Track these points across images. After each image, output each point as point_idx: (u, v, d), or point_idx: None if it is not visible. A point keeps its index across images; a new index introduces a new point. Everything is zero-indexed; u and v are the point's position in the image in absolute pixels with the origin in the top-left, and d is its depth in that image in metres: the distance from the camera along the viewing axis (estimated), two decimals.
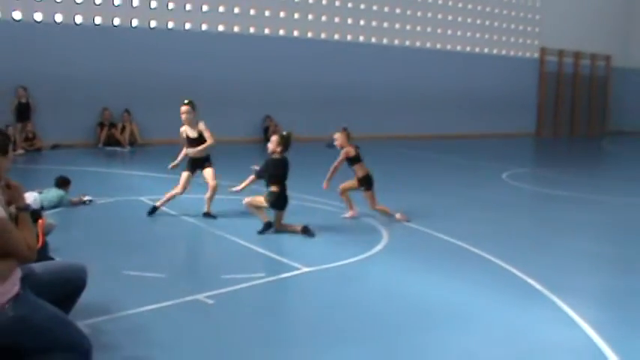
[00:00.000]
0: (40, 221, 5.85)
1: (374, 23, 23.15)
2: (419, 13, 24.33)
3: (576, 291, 6.91)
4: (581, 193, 13.30)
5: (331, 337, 5.50)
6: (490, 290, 6.85)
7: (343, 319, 5.93)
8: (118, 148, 17.77)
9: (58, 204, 10.05)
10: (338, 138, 10.11)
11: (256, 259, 7.71)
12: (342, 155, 10.00)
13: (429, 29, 24.72)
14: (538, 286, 6.87)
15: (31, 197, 9.47)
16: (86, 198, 10.48)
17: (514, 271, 7.55)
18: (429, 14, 24.65)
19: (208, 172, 9.91)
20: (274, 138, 9.02)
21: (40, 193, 9.87)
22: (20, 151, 15.95)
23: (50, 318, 4.04)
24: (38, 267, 4.38)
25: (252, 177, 9.00)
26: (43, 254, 5.39)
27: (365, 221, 9.94)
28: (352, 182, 10.17)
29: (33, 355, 3.99)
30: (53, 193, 10.10)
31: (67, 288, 4.49)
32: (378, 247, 8.42)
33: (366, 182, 10.04)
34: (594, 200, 12.78)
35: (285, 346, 5.33)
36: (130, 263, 7.19)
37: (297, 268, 7.30)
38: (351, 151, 9.93)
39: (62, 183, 10.34)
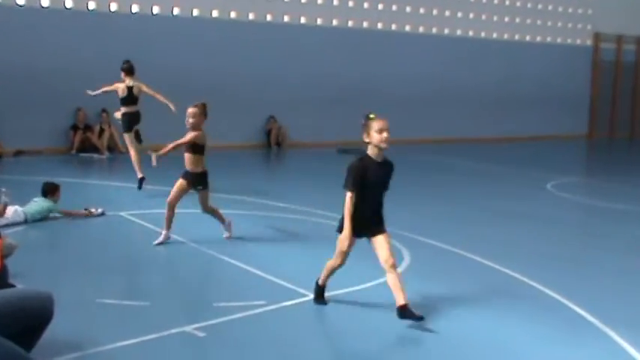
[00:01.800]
0: None
1: (394, 7, 23.19)
2: None
3: (636, 323, 6.90)
4: (633, 205, 13.32)
5: None
6: (532, 322, 6.87)
7: (353, 353, 5.96)
8: (94, 155, 17.86)
9: (45, 215, 10.28)
10: (192, 115, 9.33)
11: (255, 283, 7.74)
12: (187, 138, 9.38)
13: (459, 14, 24.73)
14: (590, 318, 6.89)
15: (10, 211, 9.81)
16: (98, 211, 10.75)
17: (561, 299, 7.57)
18: None
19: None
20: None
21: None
22: None
23: (7, 355, 4.07)
24: None
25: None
26: (1, 280, 5.44)
27: None
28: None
29: None
30: (40, 204, 10.33)
31: (29, 320, 4.53)
32: (399, 270, 8.43)
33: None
34: None
35: None
36: (106, 290, 7.24)
37: (303, 295, 7.34)
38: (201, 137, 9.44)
39: (49, 190, 10.55)
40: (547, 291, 7.85)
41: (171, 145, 9.50)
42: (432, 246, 9.77)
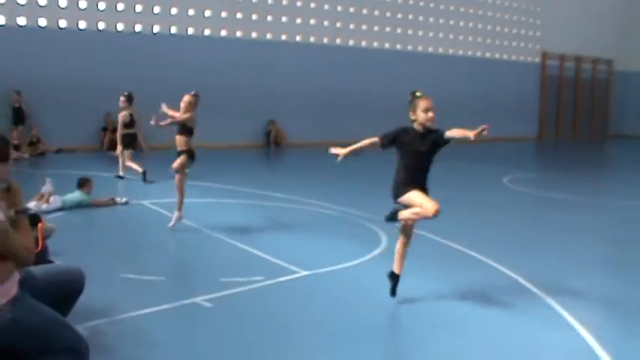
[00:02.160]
0: (39, 225, 5.91)
1: (376, 28, 23.20)
2: (421, 18, 24.37)
3: (573, 294, 6.92)
4: (581, 197, 13.33)
5: (327, 340, 5.55)
6: (486, 293, 6.89)
7: (340, 322, 5.97)
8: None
9: (78, 204, 10.34)
10: (184, 100, 9.28)
11: (255, 262, 7.74)
12: (181, 116, 9.22)
13: (431, 34, 24.76)
14: (534, 289, 6.90)
15: (52, 199, 10.01)
16: (123, 200, 10.83)
17: (510, 274, 7.58)
18: (431, 19, 24.69)
19: None
20: None
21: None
22: (25, 155, 16.05)
23: (47, 320, 4.09)
24: (36, 270, 4.43)
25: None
26: (42, 258, 5.45)
27: (365, 225, 9.98)
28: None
29: (30, 357, 4.04)
30: (75, 195, 10.42)
31: (64, 291, 4.54)
32: (377, 251, 8.46)
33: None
34: (594, 203, 12.81)
35: (282, 349, 5.37)
36: (129, 267, 7.24)
37: (296, 272, 7.35)
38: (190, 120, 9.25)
39: (83, 183, 10.64)
40: (499, 266, 7.88)
41: (170, 112, 9.44)
42: None
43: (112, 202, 10.63)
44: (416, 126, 6.28)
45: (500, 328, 5.91)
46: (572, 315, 6.13)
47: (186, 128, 9.11)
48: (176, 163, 9.11)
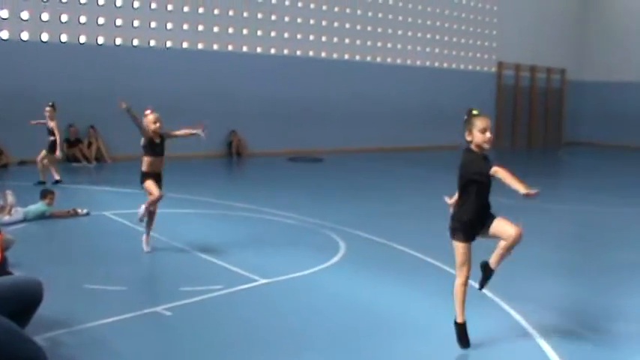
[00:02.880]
0: None
1: (335, 39, 23.33)
2: (379, 29, 24.56)
3: (527, 299, 7.06)
4: (534, 202, 13.52)
5: (287, 346, 5.61)
6: (444, 299, 6.98)
7: (299, 328, 6.05)
8: (84, 164, 17.69)
9: (40, 216, 10.26)
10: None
11: (215, 271, 7.76)
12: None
13: (389, 45, 24.96)
14: (489, 294, 7.02)
15: (18, 212, 10.01)
16: (84, 211, 10.70)
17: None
18: (390, 30, 24.89)
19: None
20: None
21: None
22: None
23: (5, 332, 4.09)
24: None
25: None
26: (1, 269, 5.43)
27: (324, 232, 10.05)
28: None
29: None
30: (36, 206, 10.33)
31: (22, 302, 4.55)
32: (335, 259, 8.54)
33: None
34: (547, 209, 13.02)
35: (241, 355, 5.42)
36: (91, 277, 7.22)
37: (255, 280, 7.40)
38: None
39: (44, 195, 10.56)
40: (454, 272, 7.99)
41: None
42: (364, 238, 9.86)
43: (74, 213, 10.56)
44: (473, 148, 5.48)
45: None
46: (527, 320, 6.26)
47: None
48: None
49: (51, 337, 5.42)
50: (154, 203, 8.45)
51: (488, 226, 5.46)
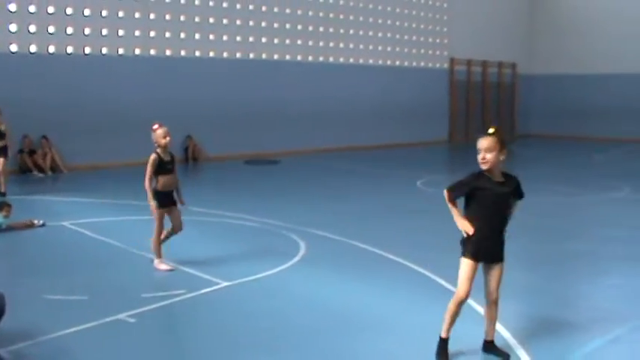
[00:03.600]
0: None
1: (287, 41, 23.42)
2: (331, 29, 24.71)
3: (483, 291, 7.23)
4: None
5: (251, 347, 5.70)
6: (405, 294, 7.18)
7: (262, 329, 6.14)
8: (40, 174, 17.51)
9: None
10: None
11: (177, 276, 7.81)
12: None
13: (342, 45, 25.12)
14: (451, 287, 7.18)
15: None
16: (40, 222, 10.58)
17: (427, 273, 7.89)
18: (341, 30, 25.05)
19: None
20: None
21: None
22: None
23: None
24: None
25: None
26: None
27: (284, 234, 10.14)
28: None
29: None
30: None
31: None
32: (296, 259, 8.66)
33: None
34: None
35: (207, 358, 5.49)
36: (52, 288, 7.23)
37: (217, 283, 7.47)
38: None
39: (1, 208, 10.41)
40: (415, 267, 8.16)
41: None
42: (324, 237, 9.97)
43: (30, 225, 10.49)
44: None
45: (419, 326, 6.15)
46: (480, 304, 6.40)
47: None
48: None
49: (14, 349, 5.44)
50: (158, 236, 8.15)
51: (493, 263, 5.37)
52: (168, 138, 8.19)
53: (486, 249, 5.27)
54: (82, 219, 11.04)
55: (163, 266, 8.04)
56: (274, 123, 22.83)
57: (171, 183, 8.20)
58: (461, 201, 5.36)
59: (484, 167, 5.21)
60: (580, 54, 31.09)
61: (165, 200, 8.14)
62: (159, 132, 8.21)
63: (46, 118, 17.82)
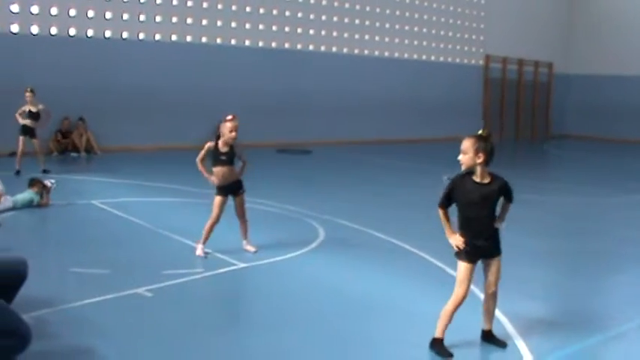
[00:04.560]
0: None
1: (323, 32, 23.60)
2: (367, 22, 24.84)
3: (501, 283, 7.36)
4: (520, 193, 13.78)
5: (259, 324, 5.94)
6: (417, 282, 7.37)
7: (272, 308, 6.37)
8: (74, 154, 17.98)
9: (29, 204, 10.52)
10: None
11: (196, 256, 8.05)
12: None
13: (377, 38, 25.24)
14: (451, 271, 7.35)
15: (7, 200, 10.21)
16: (50, 182, 10.96)
17: (441, 265, 8.02)
18: (377, 23, 25.18)
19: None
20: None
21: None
22: None
23: None
24: None
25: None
26: None
27: (305, 221, 10.35)
28: None
29: None
30: (25, 195, 10.60)
31: (7, 279, 4.85)
32: (313, 245, 8.86)
33: None
34: (527, 199, 13.33)
35: (218, 333, 5.74)
36: (76, 261, 7.53)
37: (234, 264, 7.72)
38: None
39: (33, 184, 10.82)
40: (429, 258, 8.33)
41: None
42: (344, 225, 10.17)
43: (44, 187, 10.82)
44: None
45: (431, 313, 6.25)
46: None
47: None
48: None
49: (37, 315, 5.73)
50: (211, 226, 8.16)
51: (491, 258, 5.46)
52: (234, 133, 8.05)
53: (480, 248, 5.36)
54: (110, 198, 11.38)
55: (198, 251, 8.09)
56: (308, 113, 23.06)
57: (226, 176, 8.10)
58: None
59: (463, 167, 5.35)
60: (618, 54, 30.79)
61: (223, 191, 8.14)
62: (228, 124, 8.07)
63: (81, 101, 18.26)
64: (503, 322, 6.10)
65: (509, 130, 30.38)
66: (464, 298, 5.38)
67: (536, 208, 12.55)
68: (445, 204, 5.38)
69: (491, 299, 5.55)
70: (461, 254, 5.37)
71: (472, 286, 5.55)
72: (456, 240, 5.33)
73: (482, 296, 5.77)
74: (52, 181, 11.06)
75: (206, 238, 8.15)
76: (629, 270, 8.58)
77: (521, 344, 5.65)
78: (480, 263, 5.48)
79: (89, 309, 6.06)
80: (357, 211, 11.43)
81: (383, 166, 18.71)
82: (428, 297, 6.82)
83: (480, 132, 5.37)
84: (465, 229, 5.35)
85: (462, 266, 5.37)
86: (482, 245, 5.35)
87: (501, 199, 5.46)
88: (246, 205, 8.38)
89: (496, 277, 5.47)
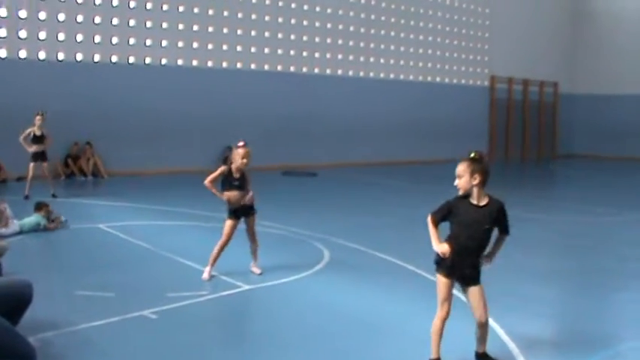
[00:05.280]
0: None
1: (328, 55, 23.80)
2: (372, 45, 25.04)
3: (499, 302, 7.38)
4: (526, 213, 13.87)
5: (264, 345, 5.99)
6: (423, 304, 7.35)
7: (281, 330, 6.41)
8: (82, 178, 18.15)
9: (36, 227, 10.60)
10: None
11: (201, 278, 8.11)
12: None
13: (382, 60, 25.43)
14: (464, 298, 7.38)
15: (14, 225, 10.38)
16: (62, 219, 11.05)
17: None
18: (382, 46, 25.38)
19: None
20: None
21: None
22: None
23: (2, 329, 4.47)
24: None
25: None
26: None
27: (310, 243, 10.41)
28: None
29: None
30: (31, 218, 10.69)
31: (13, 302, 4.93)
32: (319, 267, 8.91)
33: None
34: (531, 218, 13.38)
35: (223, 355, 5.79)
36: (82, 284, 7.60)
37: (239, 286, 7.77)
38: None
39: (39, 207, 10.91)
40: (433, 278, 8.36)
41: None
42: (349, 247, 10.22)
43: (58, 223, 10.93)
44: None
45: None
46: (498, 322, 6.54)
47: None
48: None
49: (42, 337, 5.78)
50: (220, 248, 8.23)
51: (469, 286, 5.44)
52: (245, 160, 8.11)
53: (460, 270, 5.35)
54: (116, 222, 11.48)
55: (205, 274, 8.11)
56: (314, 136, 23.21)
57: (237, 200, 8.16)
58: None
59: (460, 191, 5.33)
60: (622, 73, 30.95)
61: (236, 214, 8.21)
62: (240, 151, 8.13)
63: (89, 126, 18.47)
64: (506, 341, 6.12)
65: (516, 151, 30.45)
66: (447, 315, 5.38)
67: (541, 227, 12.61)
68: (437, 218, 5.35)
69: (482, 328, 5.50)
70: (441, 265, 5.35)
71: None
72: (442, 247, 5.27)
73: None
74: (64, 219, 11.11)
75: (214, 260, 8.20)
76: (631, 287, 8.59)
77: None
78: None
79: (94, 331, 6.12)
80: (362, 232, 11.48)
81: (389, 187, 18.77)
82: (432, 318, 6.83)
83: (472, 155, 5.32)
84: (452, 247, 5.28)
85: (441, 283, 5.37)
86: (463, 271, 5.35)
87: (495, 233, 5.45)
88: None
89: (482, 306, 5.39)
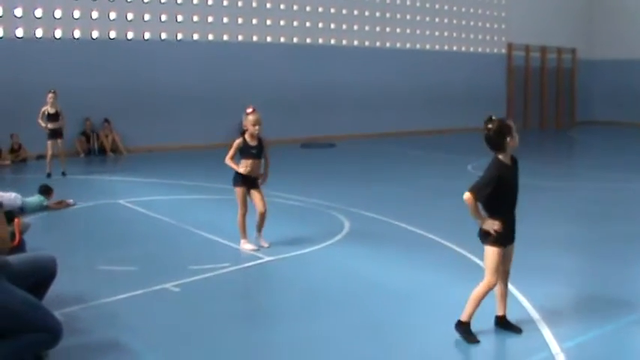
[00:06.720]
0: (15, 220, 6.32)
1: (344, 26, 23.62)
2: (388, 15, 24.81)
3: (519, 269, 7.34)
4: (539, 181, 13.77)
5: (288, 315, 6.02)
6: (442, 271, 7.38)
7: (302, 299, 6.45)
8: (100, 156, 18.23)
9: (38, 209, 10.51)
10: None
11: (222, 250, 8.15)
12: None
13: (398, 30, 25.20)
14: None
15: (12, 195, 10.07)
16: (70, 201, 10.97)
17: (467, 254, 7.99)
18: (398, 15, 25.13)
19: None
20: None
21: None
22: (6, 162, 16.44)
23: (24, 303, 4.52)
24: (12, 259, 4.85)
25: None
26: (20, 251, 5.86)
27: (329, 213, 10.40)
28: None
29: (8, 335, 4.45)
30: (35, 199, 10.59)
31: (38, 276, 4.96)
32: (338, 237, 8.90)
33: None
34: (553, 187, 13.31)
35: (246, 325, 5.81)
36: (104, 259, 7.66)
37: (260, 258, 7.79)
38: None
39: (44, 191, 10.84)
40: (455, 247, 8.34)
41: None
42: (369, 217, 10.20)
43: (63, 204, 10.88)
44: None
45: (454, 300, 6.25)
46: (518, 288, 6.51)
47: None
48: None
49: (67, 312, 5.83)
50: (242, 218, 8.21)
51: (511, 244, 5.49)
52: (257, 127, 8.06)
53: (511, 232, 5.39)
54: (137, 197, 11.52)
55: (247, 246, 8.13)
56: (332, 107, 23.12)
57: (255, 168, 8.14)
58: None
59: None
60: None
61: (246, 183, 8.17)
62: (250, 117, 8.08)
63: (107, 103, 18.48)
64: (527, 308, 6.09)
65: (534, 119, 30.17)
66: (495, 284, 5.38)
67: (563, 195, 12.52)
68: (485, 193, 5.25)
69: (505, 284, 5.56)
70: (495, 239, 5.28)
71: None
72: (494, 224, 5.23)
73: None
74: (71, 201, 11.06)
75: (244, 231, 8.21)
76: None
77: (545, 330, 5.64)
78: None
79: (118, 305, 6.17)
80: (382, 202, 11.46)
81: (407, 157, 18.71)
82: (453, 284, 6.83)
83: (489, 123, 5.45)
84: (502, 214, 5.30)
85: (494, 252, 5.30)
86: (513, 230, 5.38)
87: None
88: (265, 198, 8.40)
89: (511, 261, 5.52)
